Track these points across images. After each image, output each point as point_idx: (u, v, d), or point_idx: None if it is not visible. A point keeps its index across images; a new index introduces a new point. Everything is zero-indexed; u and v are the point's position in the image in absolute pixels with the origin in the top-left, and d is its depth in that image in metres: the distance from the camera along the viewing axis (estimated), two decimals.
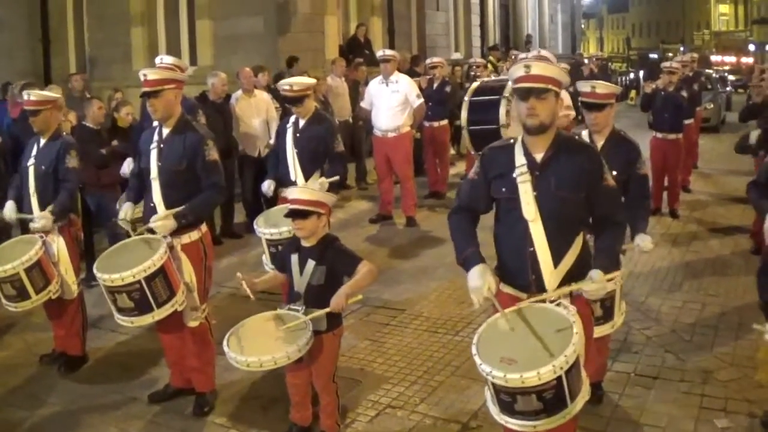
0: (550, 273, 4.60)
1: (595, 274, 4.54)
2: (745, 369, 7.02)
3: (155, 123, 6.72)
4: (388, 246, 11.69)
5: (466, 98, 11.36)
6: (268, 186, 8.69)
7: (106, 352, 8.06)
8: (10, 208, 7.67)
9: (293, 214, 5.71)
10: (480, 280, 4.57)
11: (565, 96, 8.23)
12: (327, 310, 5.55)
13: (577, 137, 5.16)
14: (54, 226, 7.31)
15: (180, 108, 6.55)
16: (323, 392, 5.89)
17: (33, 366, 7.71)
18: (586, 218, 4.76)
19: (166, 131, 6.47)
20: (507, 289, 4.78)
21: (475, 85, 11.79)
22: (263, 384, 6.98)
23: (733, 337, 7.80)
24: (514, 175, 4.64)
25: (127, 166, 9.83)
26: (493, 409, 4.51)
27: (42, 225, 7.22)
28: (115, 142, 10.35)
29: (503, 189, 4.69)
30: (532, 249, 4.59)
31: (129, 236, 6.65)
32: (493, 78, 14.90)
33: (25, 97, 7.62)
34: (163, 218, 6.20)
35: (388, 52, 13.42)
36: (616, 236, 4.88)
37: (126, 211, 6.79)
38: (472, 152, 11.72)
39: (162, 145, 6.44)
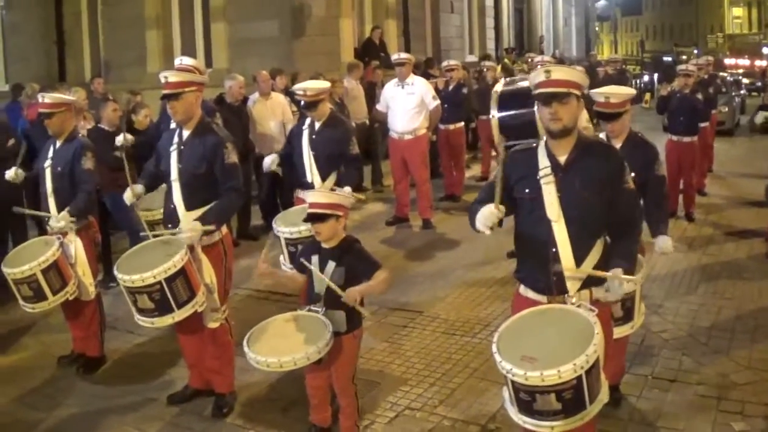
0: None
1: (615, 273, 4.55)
2: (762, 372, 7.01)
3: (173, 125, 6.75)
4: (405, 248, 11.68)
5: (497, 89, 11.11)
6: (271, 161, 8.63)
7: (124, 353, 8.08)
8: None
9: (312, 218, 5.71)
10: (490, 209, 4.54)
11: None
12: (342, 294, 5.52)
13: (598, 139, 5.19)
14: (72, 227, 7.33)
15: (200, 110, 6.56)
16: (342, 394, 5.89)
17: (50, 367, 7.73)
18: (606, 221, 4.76)
19: (186, 133, 6.48)
20: (527, 293, 4.81)
21: (503, 81, 11.68)
22: (282, 386, 6.99)
23: (750, 340, 7.79)
24: (538, 176, 4.67)
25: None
26: (512, 410, 4.52)
27: (61, 225, 7.25)
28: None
29: (526, 190, 4.71)
30: (554, 249, 4.62)
31: (149, 237, 6.66)
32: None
33: (40, 100, 7.64)
34: (190, 229, 6.17)
35: (403, 55, 13.42)
36: (633, 240, 4.88)
37: (132, 189, 6.83)
38: (499, 143, 11.44)
39: (182, 147, 6.45)
